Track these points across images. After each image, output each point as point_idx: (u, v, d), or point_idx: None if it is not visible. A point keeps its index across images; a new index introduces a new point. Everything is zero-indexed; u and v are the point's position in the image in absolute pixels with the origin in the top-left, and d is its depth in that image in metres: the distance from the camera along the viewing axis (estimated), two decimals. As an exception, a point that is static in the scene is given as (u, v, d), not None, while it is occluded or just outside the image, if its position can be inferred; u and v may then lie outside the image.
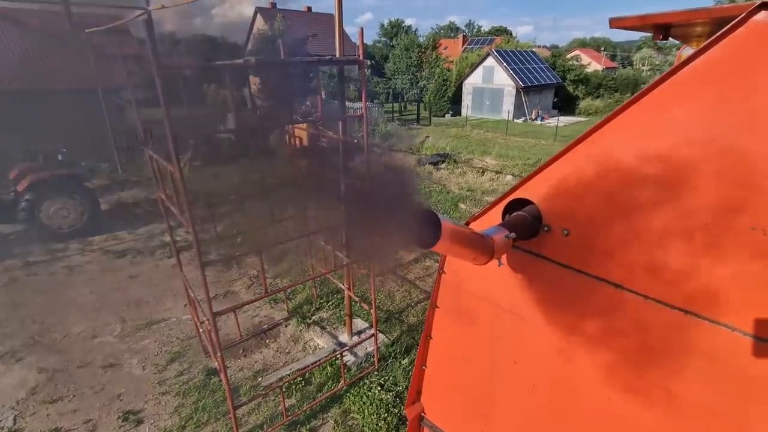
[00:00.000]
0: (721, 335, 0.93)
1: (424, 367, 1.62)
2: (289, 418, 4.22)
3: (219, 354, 3.44)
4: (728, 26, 0.84)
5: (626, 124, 0.99)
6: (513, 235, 1.06)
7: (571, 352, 1.14)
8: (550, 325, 1.17)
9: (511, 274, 1.24)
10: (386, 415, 4.32)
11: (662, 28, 1.18)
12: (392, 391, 4.64)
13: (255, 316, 6.14)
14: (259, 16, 40.46)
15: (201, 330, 4.58)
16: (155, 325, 5.83)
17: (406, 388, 4.70)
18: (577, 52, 51.49)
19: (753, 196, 0.84)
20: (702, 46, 0.87)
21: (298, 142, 15.31)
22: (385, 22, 44.53)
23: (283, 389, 4.19)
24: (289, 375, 4.85)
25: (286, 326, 5.91)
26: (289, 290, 6.39)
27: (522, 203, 1.18)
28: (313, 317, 6.04)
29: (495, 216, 1.22)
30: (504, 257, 1.24)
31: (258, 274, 7.29)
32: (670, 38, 1.33)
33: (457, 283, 1.41)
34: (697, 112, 0.90)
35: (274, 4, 43.18)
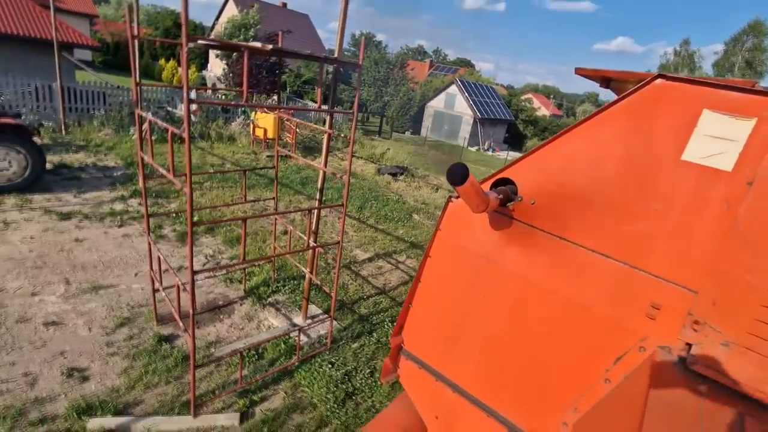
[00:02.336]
0: (620, 270, 1.49)
1: (410, 305, 2.07)
2: (242, 386, 4.42)
3: (192, 312, 3.62)
4: (638, 86, 1.41)
5: (574, 137, 1.55)
6: (501, 196, 1.58)
7: (526, 282, 1.68)
8: (513, 264, 1.71)
9: (490, 230, 1.76)
10: (335, 389, 4.67)
11: (606, 80, 1.79)
12: (341, 369, 4.99)
13: (209, 293, 6.19)
14: (231, 2, 39.53)
15: (164, 294, 4.64)
16: (103, 290, 5.70)
17: (355, 368, 5.09)
18: (529, 95, 55.73)
19: (645, 190, 1.44)
20: (622, 95, 1.44)
21: (263, 134, 15.22)
22: (356, 32, 45.34)
23: (243, 355, 4.39)
24: (243, 347, 5.02)
25: (241, 305, 6.04)
26: (247, 269, 6.52)
27: (505, 181, 1.71)
28: (269, 299, 6.23)
29: (486, 187, 1.75)
30: (486, 217, 1.76)
31: (213, 253, 7.32)
32: (610, 89, 1.95)
33: (448, 238, 1.90)
34: (618, 135, 1.47)
35: (249, -7, 42.31)
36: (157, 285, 4.86)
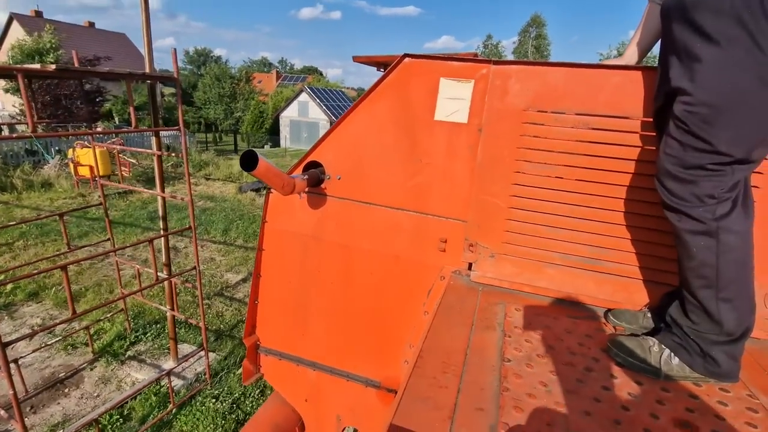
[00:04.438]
0: (414, 218, 1.78)
1: (256, 302, 2.07)
2: (108, 457, 3.82)
3: (12, 392, 2.97)
4: (393, 65, 1.71)
5: (357, 116, 1.78)
6: (306, 177, 1.73)
7: (349, 249, 1.86)
8: (334, 236, 1.88)
9: (310, 210, 1.89)
10: (223, 422, 4.36)
11: (381, 65, 2.09)
12: (227, 400, 4.68)
13: (44, 368, 5.14)
14: (16, 23, 32.67)
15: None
16: None
17: (243, 393, 4.83)
18: (377, 95, 59.52)
19: (415, 149, 1.73)
20: (384, 74, 1.72)
21: (90, 172, 13.13)
22: (191, 49, 42.10)
23: (102, 423, 3.77)
24: (98, 414, 4.31)
25: (91, 370, 5.16)
26: (93, 327, 5.58)
27: (315, 165, 1.87)
28: (128, 353, 5.46)
29: (298, 172, 1.88)
30: (305, 200, 1.90)
31: (42, 321, 6.08)
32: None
33: (276, 228, 1.97)
34: (388, 108, 1.75)
35: (39, 13, 35.58)
36: (-42, 377, 3.83)
